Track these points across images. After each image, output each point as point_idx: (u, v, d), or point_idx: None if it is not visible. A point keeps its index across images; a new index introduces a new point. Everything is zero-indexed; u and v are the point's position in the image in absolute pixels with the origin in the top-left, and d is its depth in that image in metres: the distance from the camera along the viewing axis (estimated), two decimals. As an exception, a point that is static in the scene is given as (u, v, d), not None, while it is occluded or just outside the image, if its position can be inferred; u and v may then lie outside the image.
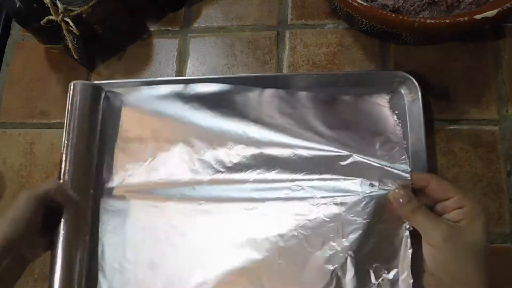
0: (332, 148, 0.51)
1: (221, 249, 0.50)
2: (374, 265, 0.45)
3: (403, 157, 0.49)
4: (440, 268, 0.41)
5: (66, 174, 0.53)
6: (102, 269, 0.53)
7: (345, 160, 0.50)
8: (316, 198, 0.49)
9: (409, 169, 0.47)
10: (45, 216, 0.48)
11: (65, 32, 0.60)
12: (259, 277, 0.48)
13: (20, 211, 0.46)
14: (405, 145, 0.50)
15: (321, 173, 0.50)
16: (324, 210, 0.48)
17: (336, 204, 0.48)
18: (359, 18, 0.56)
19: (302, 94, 0.57)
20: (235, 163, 0.54)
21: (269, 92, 0.57)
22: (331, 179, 0.50)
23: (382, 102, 0.54)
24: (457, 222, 0.41)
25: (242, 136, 0.55)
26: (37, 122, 0.65)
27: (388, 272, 0.45)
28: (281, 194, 0.51)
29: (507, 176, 0.55)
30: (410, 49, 0.61)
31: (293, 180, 0.51)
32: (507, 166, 0.55)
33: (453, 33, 0.58)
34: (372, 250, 0.46)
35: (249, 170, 0.53)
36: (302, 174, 0.51)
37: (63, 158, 0.53)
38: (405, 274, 0.44)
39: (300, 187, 0.50)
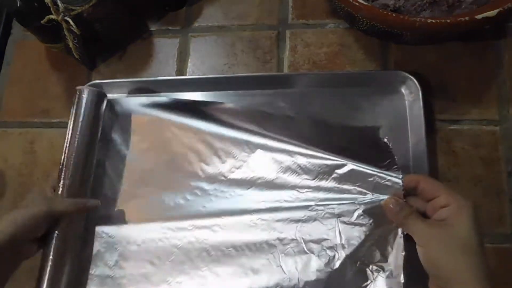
0: (328, 157, 0.52)
1: (219, 255, 0.52)
2: (370, 266, 0.47)
3: (395, 166, 0.50)
4: (433, 267, 0.41)
5: (66, 179, 0.53)
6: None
7: (341, 168, 0.51)
8: (313, 205, 0.51)
9: (401, 176, 0.48)
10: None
11: (65, 32, 0.60)
12: (260, 280, 0.50)
13: (31, 219, 0.47)
14: (396, 157, 0.51)
15: (318, 181, 0.52)
16: (322, 217, 0.50)
17: (333, 210, 0.50)
18: (360, 17, 0.56)
19: (296, 118, 0.58)
20: (236, 171, 0.56)
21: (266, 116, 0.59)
22: (328, 187, 0.52)
23: (371, 128, 0.55)
24: (445, 220, 0.42)
25: (245, 144, 0.56)
26: (37, 121, 0.65)
27: (384, 272, 0.47)
28: (280, 201, 0.53)
29: (507, 176, 0.55)
30: (410, 49, 0.61)
31: (291, 188, 0.53)
32: (507, 166, 0.55)
33: (454, 33, 0.58)
34: (368, 253, 0.48)
35: (249, 178, 0.55)
36: (300, 182, 0.53)
37: (63, 162, 0.54)
38: (398, 274, 0.46)
39: (298, 195, 0.52)
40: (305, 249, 0.50)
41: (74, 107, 0.56)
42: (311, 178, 0.52)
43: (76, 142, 0.54)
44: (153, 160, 0.58)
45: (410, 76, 0.56)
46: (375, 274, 0.47)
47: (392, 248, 0.47)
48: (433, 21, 0.50)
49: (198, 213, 0.54)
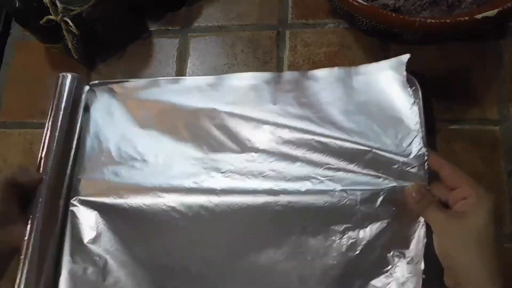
0: (352, 143, 0.52)
1: (239, 240, 0.52)
2: (391, 252, 0.48)
3: (420, 148, 0.50)
4: (447, 258, 0.42)
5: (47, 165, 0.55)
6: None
7: (364, 155, 0.51)
8: (336, 191, 0.50)
9: (426, 164, 0.48)
10: (20, 204, 0.51)
11: (64, 32, 0.60)
12: (282, 267, 0.50)
13: None
14: (422, 132, 0.51)
15: (341, 167, 0.51)
16: (344, 203, 0.50)
17: (355, 197, 0.50)
18: (360, 17, 0.56)
19: (315, 74, 0.58)
20: (256, 154, 0.54)
21: (284, 78, 0.58)
22: (350, 173, 0.51)
23: (397, 78, 0.54)
24: (463, 212, 0.42)
25: (263, 126, 0.55)
26: (37, 121, 0.65)
27: (405, 258, 0.47)
28: (301, 186, 0.52)
29: (507, 176, 0.55)
30: (410, 49, 0.59)
31: (314, 173, 0.52)
32: (508, 166, 0.55)
33: (454, 32, 0.58)
34: (389, 239, 0.48)
35: (271, 161, 0.54)
36: (322, 168, 0.52)
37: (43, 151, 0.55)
38: (419, 261, 0.46)
39: (319, 181, 0.51)
40: (327, 234, 0.50)
41: (57, 92, 0.57)
42: (333, 164, 0.52)
43: (57, 132, 0.56)
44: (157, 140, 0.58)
45: (411, 76, 0.55)
46: (396, 259, 0.48)
47: (413, 235, 0.47)
48: (433, 21, 0.49)
49: (211, 198, 0.53)
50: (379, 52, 0.61)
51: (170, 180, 0.54)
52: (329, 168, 0.52)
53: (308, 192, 0.51)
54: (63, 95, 0.57)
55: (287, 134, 0.54)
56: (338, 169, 0.51)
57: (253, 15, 0.66)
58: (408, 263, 0.47)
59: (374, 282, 0.48)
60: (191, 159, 0.55)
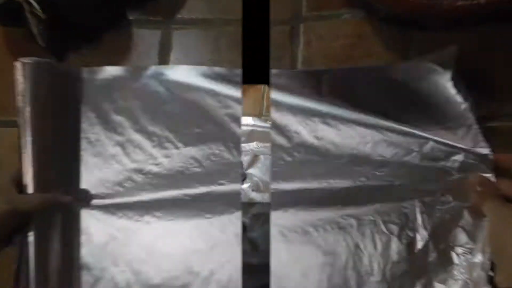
0: (408, 130, 0.50)
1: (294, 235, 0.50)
2: (456, 248, 0.45)
3: (481, 140, 0.48)
4: (499, 251, 0.41)
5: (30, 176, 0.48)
6: None
7: (423, 145, 0.49)
8: (394, 185, 0.49)
9: (490, 153, 0.46)
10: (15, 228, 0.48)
11: (28, 14, 0.53)
12: (338, 266, 0.49)
13: None
14: (479, 129, 0.48)
15: (398, 160, 0.50)
16: (402, 197, 0.49)
17: (415, 191, 0.49)
18: (378, 5, 0.53)
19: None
20: (305, 148, 0.53)
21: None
22: (408, 166, 0.50)
23: (443, 80, 0.50)
24: None
25: (312, 118, 0.53)
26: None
27: (471, 255, 0.45)
28: (356, 181, 0.51)
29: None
30: (436, 37, 0.54)
31: (368, 166, 0.51)
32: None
33: (489, 15, 0.50)
34: (453, 235, 0.46)
35: (321, 156, 0.52)
36: (378, 160, 0.51)
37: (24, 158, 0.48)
38: (486, 257, 0.43)
39: (375, 173, 0.50)
40: (384, 229, 0.48)
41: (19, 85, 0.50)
42: (389, 155, 0.50)
43: (30, 128, 0.48)
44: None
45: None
46: (462, 257, 0.45)
47: (479, 230, 0.44)
48: (463, 2, 0.45)
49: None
50: (400, 42, 0.56)
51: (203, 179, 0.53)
52: (385, 159, 0.50)
53: (363, 185, 0.50)
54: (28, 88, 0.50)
55: (336, 127, 0.52)
56: (394, 161, 0.50)
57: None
58: (475, 260, 0.44)
59: (438, 280, 0.45)
60: (223, 161, 0.54)
